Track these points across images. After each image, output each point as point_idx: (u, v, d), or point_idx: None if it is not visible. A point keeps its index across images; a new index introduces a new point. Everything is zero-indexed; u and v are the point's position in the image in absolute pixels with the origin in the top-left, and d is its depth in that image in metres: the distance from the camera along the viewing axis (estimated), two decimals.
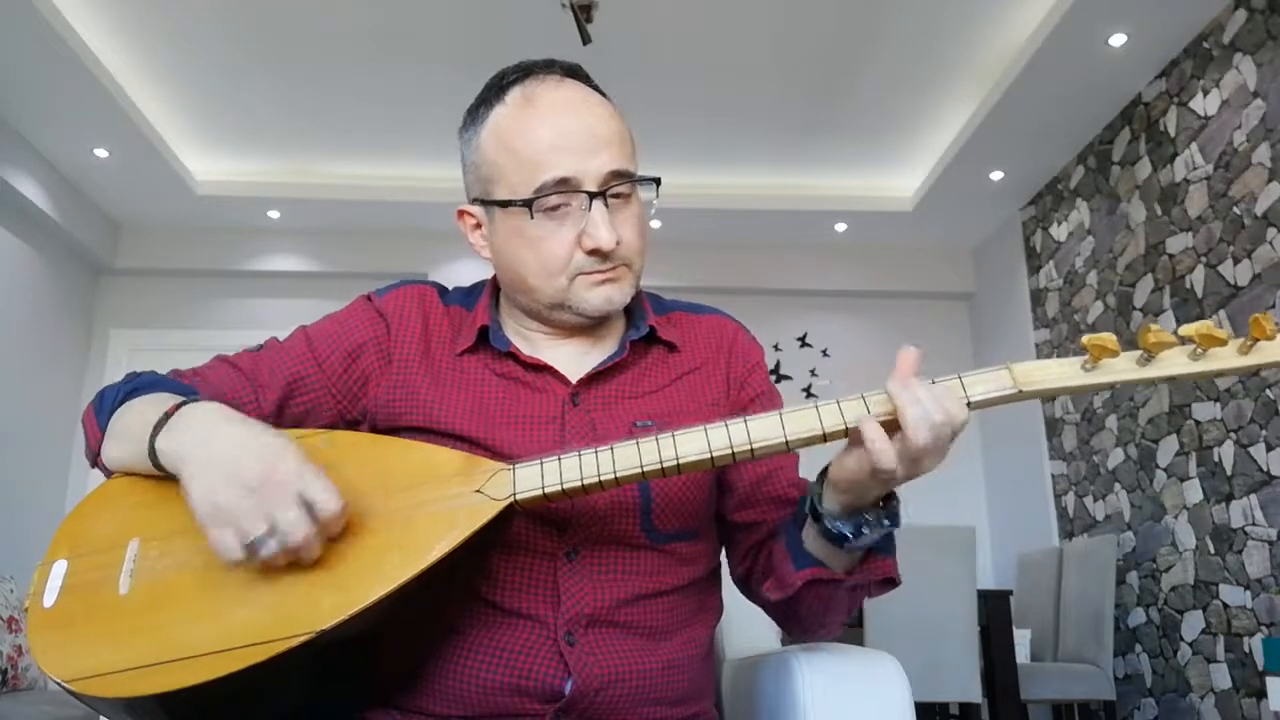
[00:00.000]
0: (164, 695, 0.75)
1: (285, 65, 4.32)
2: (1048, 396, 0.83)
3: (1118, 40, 3.83)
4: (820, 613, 0.97)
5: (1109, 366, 0.80)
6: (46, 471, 4.97)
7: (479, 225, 1.04)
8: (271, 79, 4.41)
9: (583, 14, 3.61)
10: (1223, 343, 0.78)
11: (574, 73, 1.03)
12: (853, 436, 0.83)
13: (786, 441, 0.82)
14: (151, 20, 3.99)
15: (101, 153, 4.77)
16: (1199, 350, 0.79)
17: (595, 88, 1.04)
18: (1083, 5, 3.59)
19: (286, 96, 4.56)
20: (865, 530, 0.86)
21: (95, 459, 0.97)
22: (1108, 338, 0.78)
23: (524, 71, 1.01)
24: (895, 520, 0.87)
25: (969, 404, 0.81)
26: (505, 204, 0.98)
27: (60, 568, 0.85)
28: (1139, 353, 0.80)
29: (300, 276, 5.78)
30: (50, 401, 5.05)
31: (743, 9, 3.91)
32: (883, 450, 0.79)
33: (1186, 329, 0.79)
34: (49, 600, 0.83)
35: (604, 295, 0.98)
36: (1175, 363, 0.80)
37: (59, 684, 0.78)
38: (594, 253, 0.96)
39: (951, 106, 4.61)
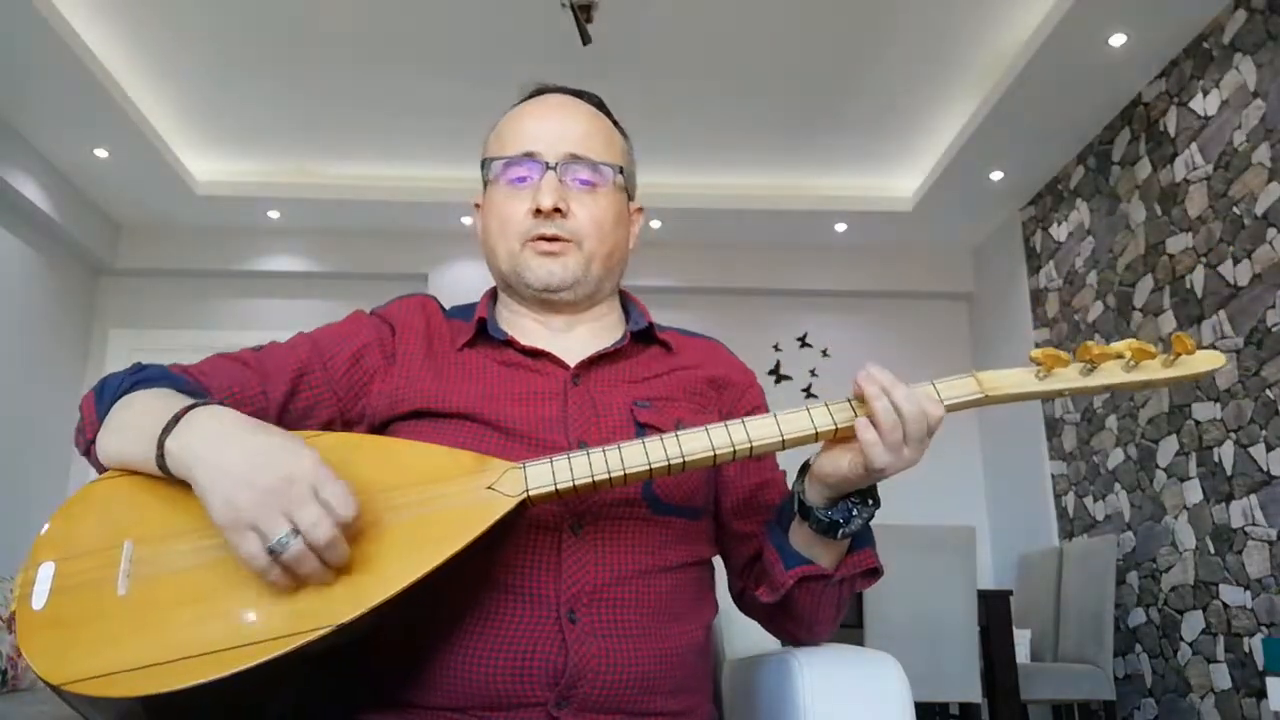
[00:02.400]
0: (169, 695, 0.74)
1: (285, 66, 4.32)
2: (1008, 401, 0.93)
3: (1118, 40, 3.83)
4: (813, 609, 1.01)
5: (1059, 375, 0.92)
6: (46, 471, 4.97)
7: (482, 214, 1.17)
8: (271, 79, 4.42)
9: (583, 14, 3.61)
10: (1152, 356, 0.91)
11: (581, 95, 1.16)
12: (842, 437, 0.91)
13: (783, 440, 0.90)
14: (151, 20, 3.99)
15: (101, 153, 4.77)
16: (1131, 363, 0.91)
17: (608, 113, 1.17)
18: (1083, 5, 3.59)
19: (286, 97, 4.56)
20: (855, 513, 0.94)
21: (88, 447, 0.95)
22: (1058, 352, 0.90)
23: (541, 91, 1.17)
24: (877, 499, 0.95)
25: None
26: (483, 172, 1.14)
27: (47, 570, 0.84)
28: (1083, 364, 0.92)
29: (300, 276, 5.77)
30: (50, 401, 5.05)
31: (743, 9, 3.91)
32: (879, 452, 0.86)
33: (1119, 345, 0.91)
34: (38, 603, 0.82)
35: (546, 268, 1.08)
36: (1112, 374, 0.91)
37: (55, 688, 0.76)
38: (537, 213, 1.07)
39: (951, 106, 4.61)
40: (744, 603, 1.12)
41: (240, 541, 0.78)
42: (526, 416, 0.99)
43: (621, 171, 1.13)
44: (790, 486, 1.00)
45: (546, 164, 1.08)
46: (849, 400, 0.91)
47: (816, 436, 0.91)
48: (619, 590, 0.95)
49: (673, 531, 1.01)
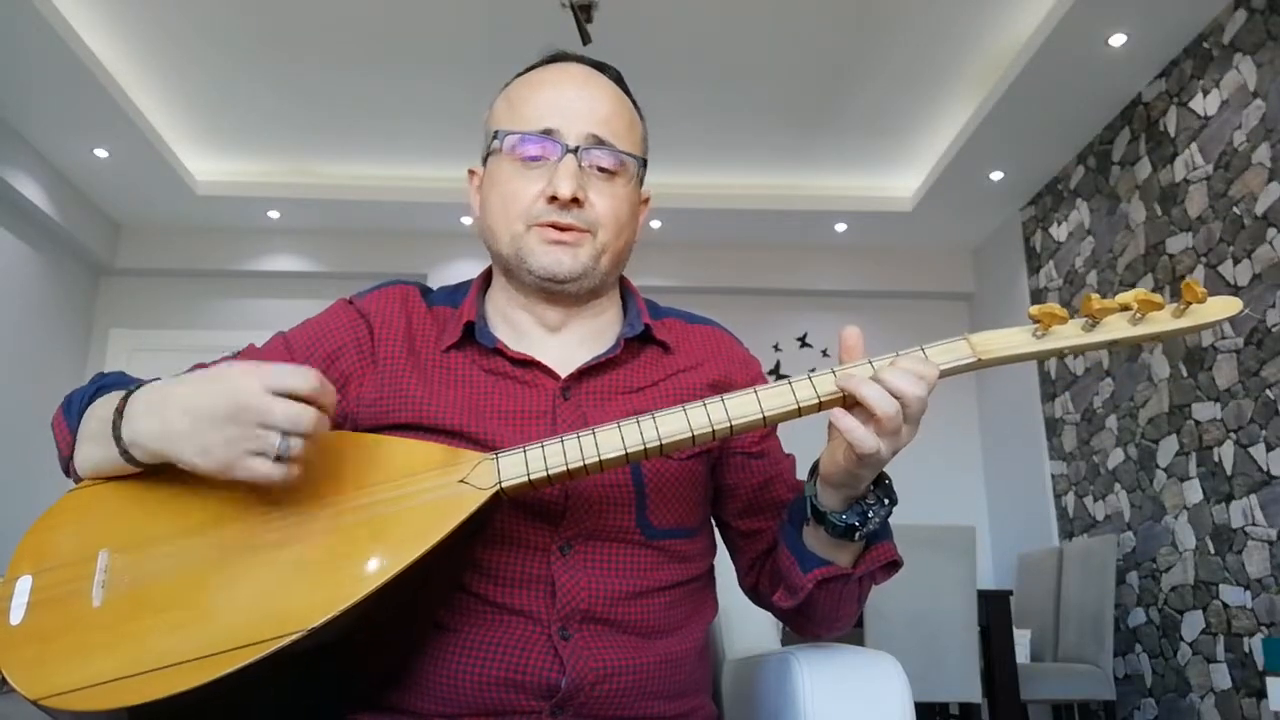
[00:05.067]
0: (151, 704, 0.74)
1: (285, 65, 4.32)
2: (1004, 363, 0.86)
3: (1118, 40, 3.83)
4: (834, 608, 0.98)
5: (1058, 333, 0.85)
6: (46, 472, 4.95)
7: (480, 186, 1.07)
8: (271, 79, 4.42)
9: (583, 14, 3.61)
10: (1159, 307, 0.84)
11: (602, 68, 1.07)
12: (831, 429, 0.85)
13: (764, 417, 0.85)
14: (151, 20, 3.99)
15: (101, 153, 4.77)
16: (1138, 315, 0.84)
17: (626, 90, 1.07)
18: (1083, 5, 3.59)
19: (286, 97, 4.56)
20: (871, 514, 0.89)
21: (68, 465, 0.94)
22: (1056, 307, 0.83)
23: (558, 58, 1.07)
24: (893, 497, 0.91)
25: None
26: (490, 141, 1.03)
27: (25, 583, 0.83)
28: (1084, 320, 0.85)
29: (300, 276, 5.77)
30: (50, 402, 4.99)
31: (742, 9, 3.91)
32: (862, 436, 0.81)
33: (1125, 296, 0.84)
34: (15, 617, 0.81)
35: (554, 256, 0.99)
36: (1117, 327, 0.85)
37: (34, 703, 0.76)
38: (552, 200, 0.97)
39: (951, 106, 4.61)
40: (758, 598, 1.08)
41: (247, 469, 0.78)
42: (516, 436, 0.94)
43: (643, 164, 1.06)
44: (803, 489, 0.96)
45: (566, 146, 0.98)
46: (833, 371, 0.85)
47: (800, 411, 0.85)
48: (612, 611, 0.93)
49: (667, 553, 0.98)
